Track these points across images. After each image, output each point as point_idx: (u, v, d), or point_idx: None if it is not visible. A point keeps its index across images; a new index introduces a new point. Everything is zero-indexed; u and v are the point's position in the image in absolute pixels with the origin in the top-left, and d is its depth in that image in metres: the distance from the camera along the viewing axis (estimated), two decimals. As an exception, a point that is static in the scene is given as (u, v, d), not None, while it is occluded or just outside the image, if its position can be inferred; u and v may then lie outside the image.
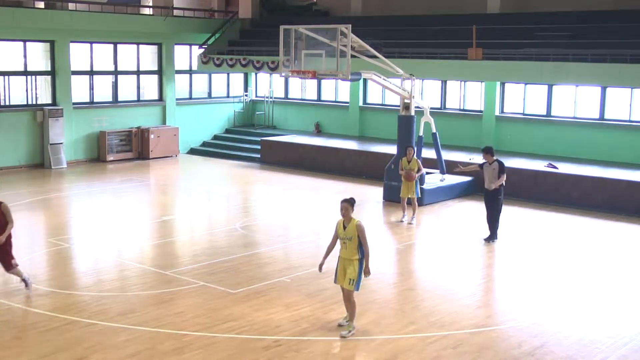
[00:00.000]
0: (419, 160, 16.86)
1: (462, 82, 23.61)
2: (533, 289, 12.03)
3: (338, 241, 9.93)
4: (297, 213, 17.61)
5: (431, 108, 20.33)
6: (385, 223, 16.95)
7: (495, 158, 14.73)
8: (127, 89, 26.06)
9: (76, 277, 12.56)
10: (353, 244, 9.71)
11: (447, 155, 20.16)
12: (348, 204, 9.80)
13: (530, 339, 9.77)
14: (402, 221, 16.48)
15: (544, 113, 22.05)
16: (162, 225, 16.35)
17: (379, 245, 15.14)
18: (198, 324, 10.06)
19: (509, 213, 17.50)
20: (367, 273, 9.80)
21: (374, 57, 18.48)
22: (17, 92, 23.37)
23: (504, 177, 14.63)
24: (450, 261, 13.69)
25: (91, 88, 24.99)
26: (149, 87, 26.74)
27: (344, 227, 9.77)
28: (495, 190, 14.70)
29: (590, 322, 10.52)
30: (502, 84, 22.61)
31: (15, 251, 11.28)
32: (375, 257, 13.97)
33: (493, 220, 14.86)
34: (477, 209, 17.37)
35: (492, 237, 14.86)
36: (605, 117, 20.93)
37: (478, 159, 14.99)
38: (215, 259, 13.30)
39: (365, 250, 9.73)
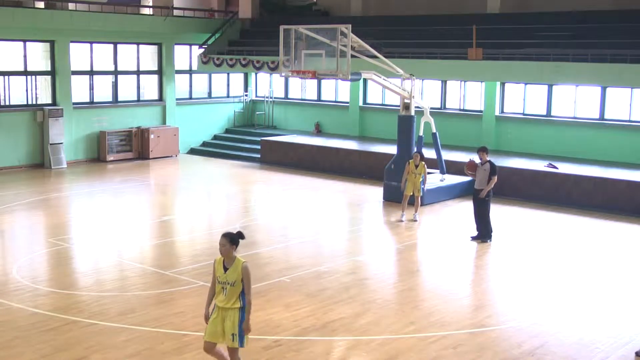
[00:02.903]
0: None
1: (462, 82, 23.60)
2: (533, 289, 12.02)
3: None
4: (297, 213, 17.60)
5: (431, 108, 20.34)
6: (385, 223, 16.95)
7: (488, 159, 14.69)
8: (127, 89, 26.03)
9: (76, 277, 12.55)
10: (236, 289, 7.60)
11: (447, 155, 20.17)
12: (226, 240, 7.65)
13: (530, 339, 9.77)
14: (402, 220, 16.47)
15: (544, 113, 22.04)
16: (162, 225, 16.35)
17: (379, 245, 15.19)
18: (198, 324, 10.03)
19: (509, 213, 17.53)
20: (247, 330, 7.65)
21: (374, 57, 18.49)
22: (17, 92, 23.33)
23: (495, 179, 14.53)
24: (450, 261, 13.68)
25: (91, 88, 24.97)
26: (149, 87, 26.73)
27: (225, 269, 7.67)
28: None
29: (590, 322, 10.52)
30: (502, 84, 22.60)
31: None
32: (375, 257, 14.09)
33: (482, 220, 14.81)
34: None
35: (481, 237, 14.80)
36: (605, 117, 20.91)
37: (476, 159, 14.97)
38: (215, 259, 13.27)
39: (248, 300, 7.64)
